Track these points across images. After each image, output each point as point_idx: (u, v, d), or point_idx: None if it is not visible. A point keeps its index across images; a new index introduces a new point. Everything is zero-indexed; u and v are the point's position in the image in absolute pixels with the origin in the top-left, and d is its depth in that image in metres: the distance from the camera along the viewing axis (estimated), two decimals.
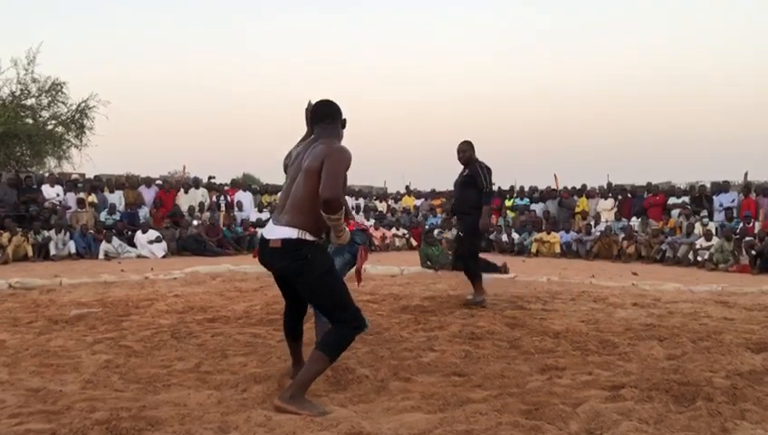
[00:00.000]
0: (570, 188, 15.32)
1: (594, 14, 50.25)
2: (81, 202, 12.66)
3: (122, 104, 45.02)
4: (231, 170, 42.88)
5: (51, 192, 12.68)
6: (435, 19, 56.06)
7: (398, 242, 13.97)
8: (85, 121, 16.52)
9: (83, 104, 16.37)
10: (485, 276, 6.24)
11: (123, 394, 3.07)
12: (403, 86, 55.98)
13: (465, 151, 5.89)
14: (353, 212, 11.05)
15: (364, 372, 3.42)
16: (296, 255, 2.84)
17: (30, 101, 16.16)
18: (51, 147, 16.32)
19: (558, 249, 12.68)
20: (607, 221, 13.37)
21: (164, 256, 11.48)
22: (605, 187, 15.44)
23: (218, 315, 5.29)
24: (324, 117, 3.08)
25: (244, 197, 14.79)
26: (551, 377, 3.42)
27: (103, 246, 11.25)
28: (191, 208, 13.46)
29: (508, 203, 15.51)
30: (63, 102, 16.41)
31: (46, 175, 14.61)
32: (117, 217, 12.57)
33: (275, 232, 2.90)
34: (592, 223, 13.27)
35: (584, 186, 15.18)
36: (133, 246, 11.74)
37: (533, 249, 12.81)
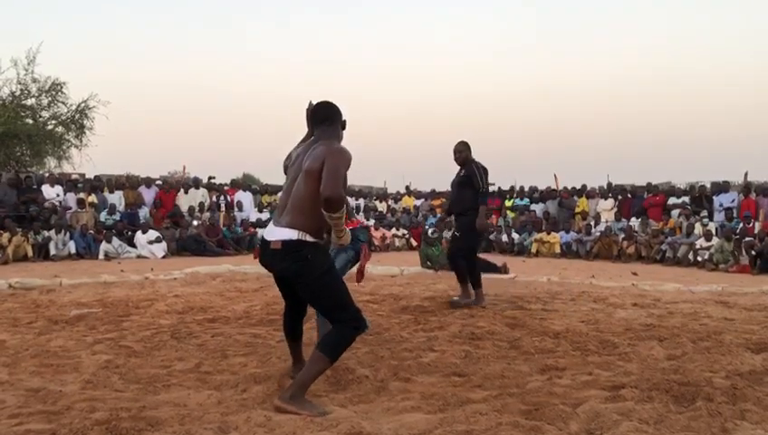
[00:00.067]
0: (570, 188, 15.33)
1: (594, 14, 50.33)
2: (81, 202, 12.66)
3: (122, 104, 45.13)
4: (231, 170, 42.97)
5: (51, 192, 12.68)
6: (435, 19, 56.16)
7: (398, 242, 13.97)
8: (85, 121, 16.54)
9: (83, 104, 16.39)
10: (485, 276, 6.24)
11: (123, 394, 3.07)
12: (403, 86, 56.07)
13: (462, 152, 5.89)
14: (353, 212, 11.03)
15: (364, 372, 3.42)
16: (296, 256, 2.84)
17: (30, 101, 16.17)
18: (51, 147, 16.32)
19: (558, 249, 12.68)
20: (607, 221, 13.37)
21: (164, 257, 11.48)
22: (605, 187, 15.44)
23: (218, 316, 5.29)
24: (324, 119, 3.08)
25: (244, 197, 14.79)
26: (551, 377, 3.41)
27: (103, 246, 11.25)
28: (191, 209, 13.46)
29: (508, 203, 15.51)
30: (63, 102, 16.44)
31: (46, 175, 14.62)
32: (117, 217, 12.57)
33: (276, 233, 2.90)
34: (592, 223, 13.26)
35: (584, 186, 15.18)
36: (133, 246, 11.74)
37: (533, 249, 12.81)
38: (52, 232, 11.02)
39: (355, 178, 15.41)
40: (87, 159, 16.87)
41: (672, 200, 13.37)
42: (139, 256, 11.44)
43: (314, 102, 3.19)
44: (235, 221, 13.64)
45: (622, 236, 12.19)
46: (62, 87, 16.21)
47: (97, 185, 13.69)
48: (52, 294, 6.51)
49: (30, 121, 16.00)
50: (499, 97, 53.13)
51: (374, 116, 47.84)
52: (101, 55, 45.82)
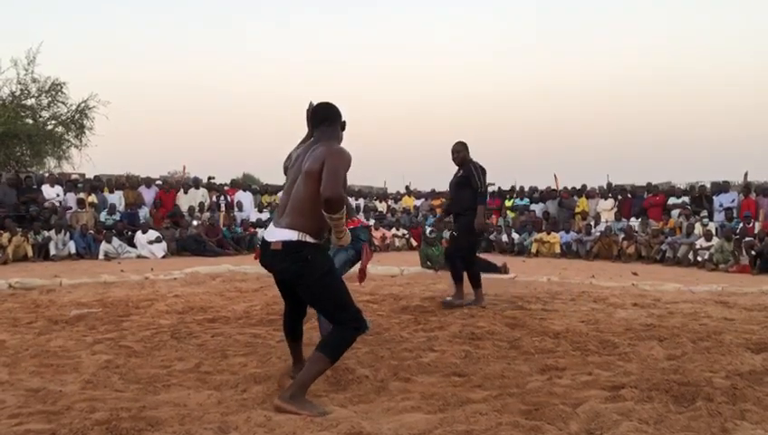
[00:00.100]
0: (570, 188, 15.32)
1: (594, 14, 50.35)
2: (81, 202, 12.66)
3: (122, 104, 45.16)
4: (231, 170, 43.01)
5: (51, 192, 12.68)
6: (435, 19, 56.20)
7: (398, 242, 13.97)
8: (85, 121, 16.56)
9: (83, 104, 16.41)
10: (485, 276, 6.24)
11: (123, 394, 3.07)
12: (403, 86, 56.10)
13: (460, 152, 5.89)
14: (354, 211, 11.03)
15: (364, 372, 3.42)
16: (296, 257, 2.84)
17: (30, 101, 16.18)
18: (51, 147, 16.33)
19: (558, 249, 12.67)
20: (607, 221, 13.37)
21: (164, 257, 11.48)
22: (605, 187, 15.44)
23: (218, 316, 5.29)
24: (324, 120, 3.08)
25: (244, 197, 14.79)
26: (551, 377, 3.42)
27: (103, 246, 11.25)
28: (191, 209, 13.46)
29: (508, 203, 15.51)
30: (63, 102, 16.46)
31: (46, 175, 14.62)
32: (117, 217, 12.57)
33: (276, 234, 2.91)
34: (592, 223, 13.26)
35: (584, 186, 15.19)
36: (133, 246, 11.74)
37: (533, 249, 12.81)
38: (52, 232, 11.02)
39: (355, 178, 15.44)
40: (87, 159, 16.93)
41: (672, 200, 13.37)
42: (139, 256, 11.44)
43: (314, 103, 3.19)
44: (235, 221, 13.64)
45: (622, 236, 12.19)
46: (61, 87, 16.25)
47: (97, 185, 13.70)
48: (52, 294, 6.51)
49: (30, 121, 16.01)
50: (499, 97, 53.21)
51: (374, 116, 47.91)
52: (101, 55, 45.91)
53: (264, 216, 13.91)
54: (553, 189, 15.50)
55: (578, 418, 2.66)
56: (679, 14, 48.57)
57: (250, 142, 49.89)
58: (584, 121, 46.29)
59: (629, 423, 2.53)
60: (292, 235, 2.85)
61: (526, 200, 15.43)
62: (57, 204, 12.36)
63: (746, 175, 14.25)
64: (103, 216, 12.54)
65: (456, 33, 56.57)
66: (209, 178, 15.44)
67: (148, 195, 13.70)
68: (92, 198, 12.93)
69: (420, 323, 4.98)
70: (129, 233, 12.03)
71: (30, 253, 10.60)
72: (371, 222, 14.07)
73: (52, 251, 10.89)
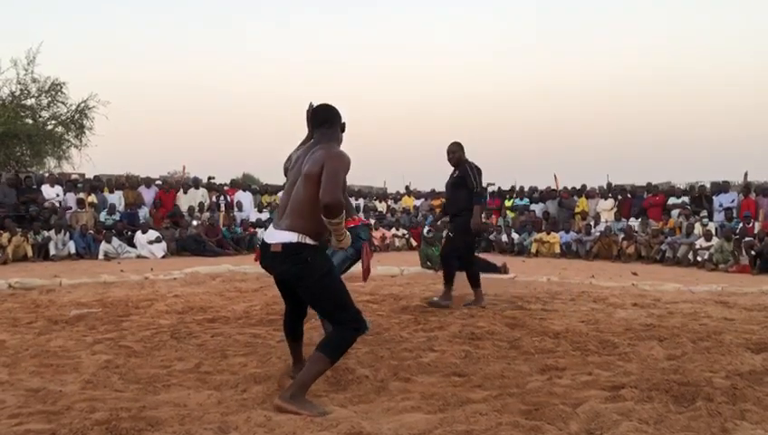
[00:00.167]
0: (570, 188, 15.33)
1: (594, 14, 50.34)
2: (80, 202, 12.66)
3: (122, 104, 45.12)
4: (231, 170, 42.98)
5: (51, 192, 12.68)
6: (435, 19, 56.18)
7: (397, 242, 13.97)
8: (85, 121, 16.55)
9: (83, 104, 16.40)
10: (485, 276, 6.23)
11: (123, 394, 3.07)
12: (403, 86, 56.09)
13: (455, 153, 5.88)
14: (354, 210, 11.04)
15: (364, 372, 3.42)
16: (296, 259, 2.85)
17: (30, 102, 16.18)
18: (51, 147, 16.33)
19: (558, 249, 12.68)
20: (607, 221, 13.38)
21: (164, 257, 11.48)
22: (605, 187, 15.45)
23: (218, 316, 5.29)
24: (324, 121, 3.08)
25: (244, 197, 14.79)
26: (551, 377, 3.42)
27: (103, 246, 11.25)
28: (191, 209, 13.46)
29: (508, 203, 15.51)
30: (63, 102, 16.45)
31: (46, 175, 14.62)
32: (117, 217, 12.57)
33: (276, 236, 2.91)
34: (592, 223, 13.27)
35: (584, 186, 15.19)
36: (133, 246, 11.74)
37: (533, 249, 12.81)
38: (52, 232, 11.02)
39: (355, 178, 15.42)
40: (87, 159, 16.92)
41: (672, 200, 13.38)
42: (138, 256, 11.44)
43: (314, 104, 3.19)
44: (235, 221, 13.64)
45: (622, 236, 12.19)
46: (61, 87, 16.24)
47: (97, 185, 13.70)
48: (51, 294, 6.51)
49: (30, 121, 16.01)
50: (499, 97, 53.20)
51: (374, 116, 47.88)
52: (101, 55, 45.88)
53: (264, 216, 13.91)
54: (553, 189, 15.50)
55: (578, 418, 2.66)
56: (679, 14, 48.62)
57: (250, 142, 49.94)
58: (584, 121, 46.33)
59: (629, 423, 2.53)
60: (291, 237, 2.85)
61: (526, 200, 15.43)
62: (57, 204, 12.36)
63: (746, 175, 14.28)
64: (103, 216, 12.54)
65: (456, 33, 56.61)
66: (209, 179, 15.45)
67: (148, 195, 13.69)
68: (92, 198, 12.93)
69: (420, 323, 4.98)
70: (129, 233, 12.03)
71: (30, 253, 10.59)
72: (371, 222, 14.07)
73: (52, 251, 10.89)
